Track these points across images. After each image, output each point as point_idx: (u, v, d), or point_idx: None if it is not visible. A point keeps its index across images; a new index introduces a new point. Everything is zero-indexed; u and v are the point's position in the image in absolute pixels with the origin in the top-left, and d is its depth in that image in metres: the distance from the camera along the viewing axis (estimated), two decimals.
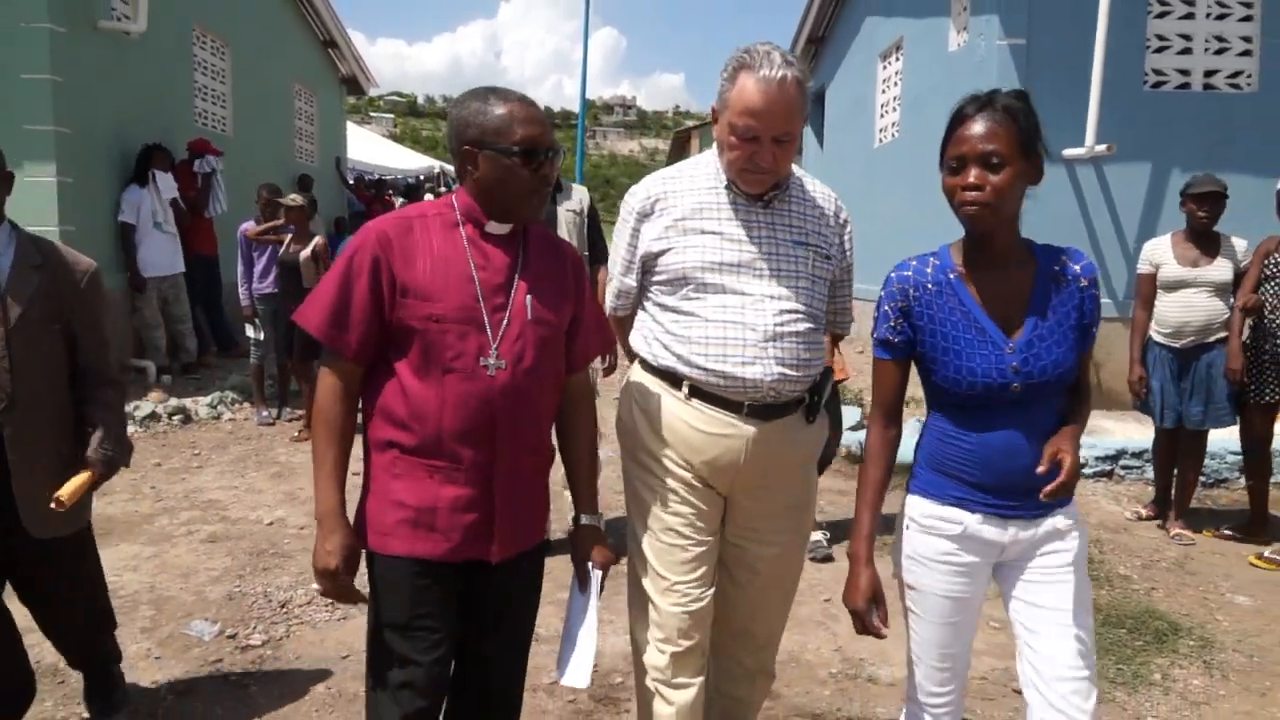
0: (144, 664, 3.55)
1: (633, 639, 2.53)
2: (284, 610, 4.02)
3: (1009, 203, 1.93)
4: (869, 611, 2.09)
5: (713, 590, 2.46)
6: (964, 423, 2.04)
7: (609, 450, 4.70)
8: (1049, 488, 1.89)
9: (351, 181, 15.99)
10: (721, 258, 2.31)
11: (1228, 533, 5.06)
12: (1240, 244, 4.95)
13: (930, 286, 2.05)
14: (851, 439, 6.57)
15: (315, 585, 2.09)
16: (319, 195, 11.90)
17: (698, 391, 2.34)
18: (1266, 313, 4.75)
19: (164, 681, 3.42)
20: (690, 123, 42.06)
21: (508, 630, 2.27)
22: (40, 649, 3.56)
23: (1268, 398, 4.78)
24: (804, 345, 2.34)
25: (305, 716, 3.20)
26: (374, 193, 16.76)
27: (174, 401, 7.47)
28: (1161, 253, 5.06)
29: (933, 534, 2.08)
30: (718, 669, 2.68)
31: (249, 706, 3.27)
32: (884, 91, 10.94)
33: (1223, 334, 4.86)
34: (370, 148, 20.03)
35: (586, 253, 4.59)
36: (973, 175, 1.92)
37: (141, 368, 8.12)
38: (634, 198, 2.47)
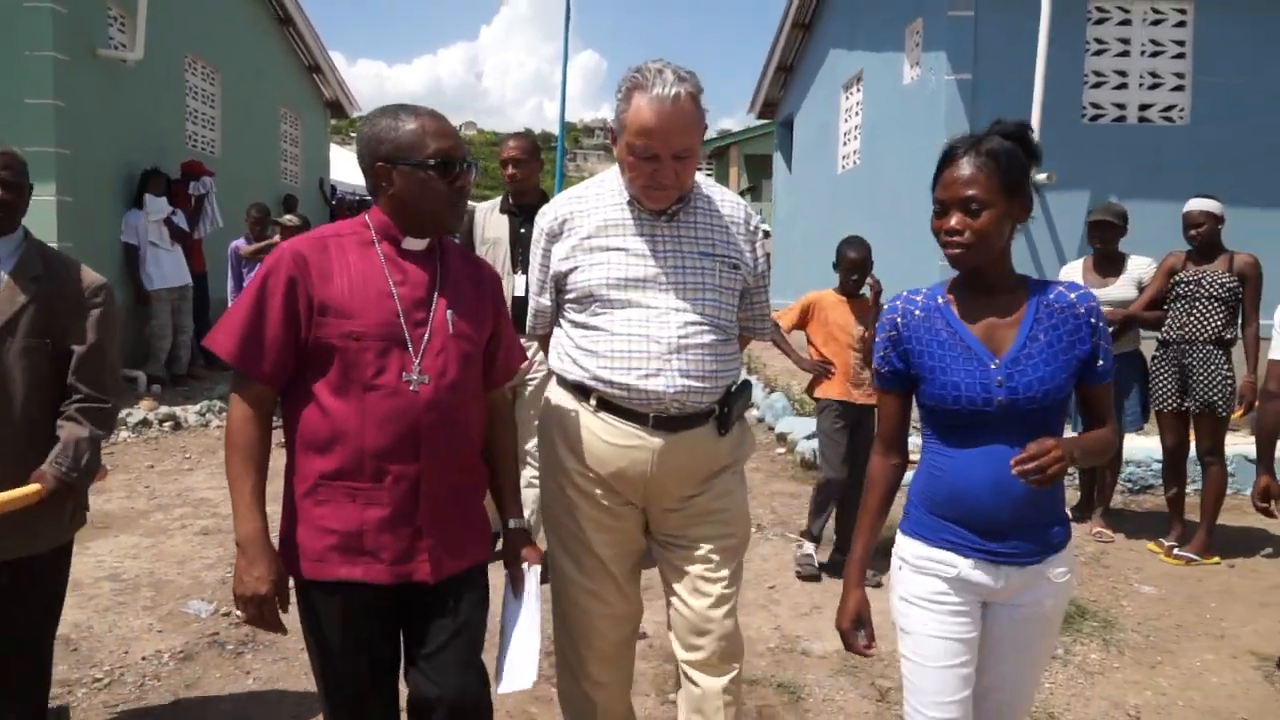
0: (147, 636, 3.92)
1: (556, 650, 2.62)
2: None
3: (991, 243, 1.95)
4: (853, 633, 2.13)
5: (633, 597, 2.53)
6: (952, 445, 2.04)
7: None
8: (1020, 459, 1.81)
9: (334, 202, 16.35)
10: (626, 273, 2.33)
11: (1182, 554, 5.16)
12: (1142, 262, 5.43)
13: (918, 313, 2.09)
14: (806, 447, 7.00)
15: (238, 612, 2.10)
16: (303, 215, 12.31)
17: (605, 404, 2.36)
18: (1175, 329, 5.20)
19: (165, 650, 3.79)
20: None
21: (456, 651, 2.19)
22: None
23: (1168, 406, 5.24)
24: (710, 356, 2.35)
25: (295, 678, 3.58)
26: (354, 213, 17.08)
27: (165, 409, 7.84)
28: (1075, 277, 5.53)
29: (925, 574, 2.06)
30: (682, 675, 2.59)
31: (244, 671, 3.65)
32: (846, 120, 11.45)
33: (1128, 347, 5.34)
34: (352, 168, 20.38)
35: None
36: (954, 220, 1.96)
37: (133, 377, 8.49)
38: (543, 219, 2.49)
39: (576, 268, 2.38)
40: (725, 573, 2.45)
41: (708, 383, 2.34)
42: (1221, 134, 8.02)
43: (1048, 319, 2.00)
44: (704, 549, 2.44)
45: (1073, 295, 2.02)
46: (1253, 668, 3.84)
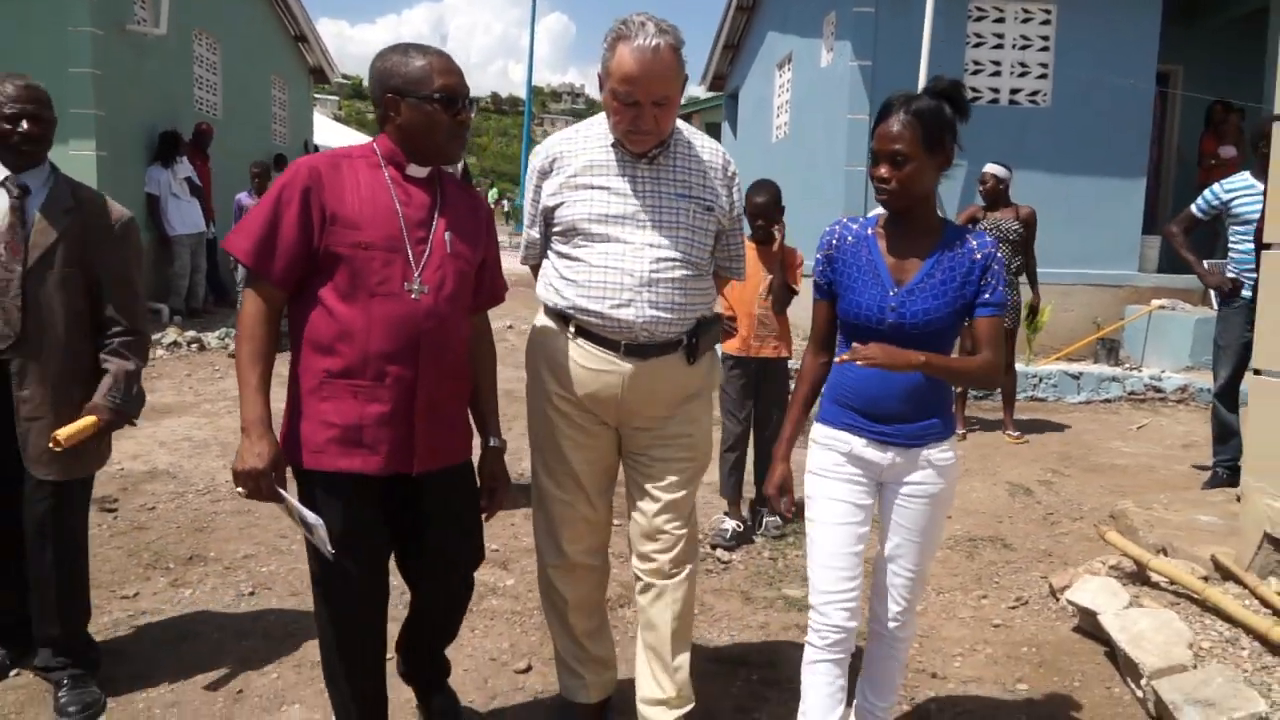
0: (224, 471, 5.37)
1: (536, 545, 2.77)
2: None
3: (914, 189, 2.24)
4: (777, 497, 2.47)
5: (602, 509, 2.68)
6: None
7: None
8: (846, 356, 2.20)
9: None
10: (607, 210, 2.46)
11: (1015, 434, 6.83)
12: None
13: (850, 239, 2.39)
14: None
15: (239, 489, 2.21)
16: None
17: (582, 331, 2.51)
18: None
19: None
20: None
21: (444, 530, 2.43)
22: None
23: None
24: (679, 290, 2.49)
25: None
26: None
27: (191, 333, 9.30)
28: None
29: (827, 449, 2.39)
30: (640, 576, 2.74)
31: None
32: (779, 95, 13.01)
33: None
34: (327, 131, 21.60)
35: None
36: (883, 170, 2.24)
37: (157, 310, 9.91)
38: (535, 157, 2.60)
39: (563, 203, 2.52)
40: (682, 493, 2.62)
41: (676, 314, 2.50)
42: (1077, 116, 9.66)
43: (947, 261, 2.30)
44: (665, 468, 2.61)
45: (974, 243, 2.32)
46: (1004, 490, 5.52)
